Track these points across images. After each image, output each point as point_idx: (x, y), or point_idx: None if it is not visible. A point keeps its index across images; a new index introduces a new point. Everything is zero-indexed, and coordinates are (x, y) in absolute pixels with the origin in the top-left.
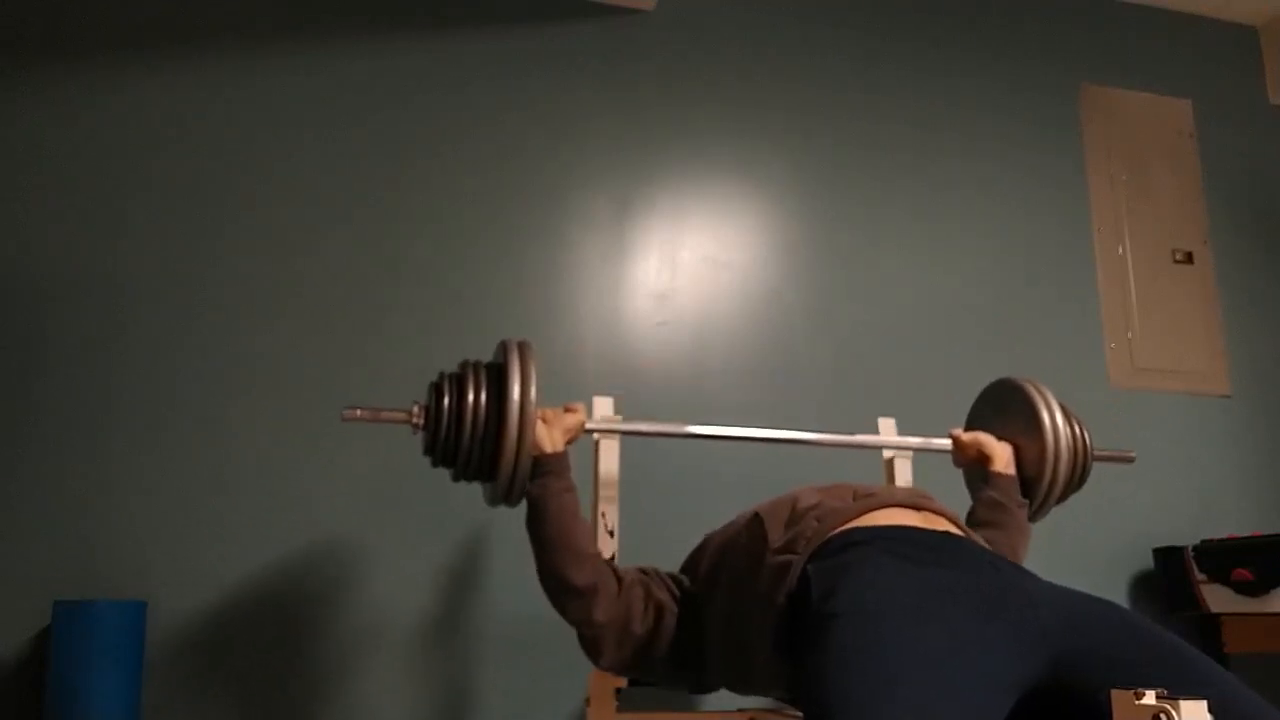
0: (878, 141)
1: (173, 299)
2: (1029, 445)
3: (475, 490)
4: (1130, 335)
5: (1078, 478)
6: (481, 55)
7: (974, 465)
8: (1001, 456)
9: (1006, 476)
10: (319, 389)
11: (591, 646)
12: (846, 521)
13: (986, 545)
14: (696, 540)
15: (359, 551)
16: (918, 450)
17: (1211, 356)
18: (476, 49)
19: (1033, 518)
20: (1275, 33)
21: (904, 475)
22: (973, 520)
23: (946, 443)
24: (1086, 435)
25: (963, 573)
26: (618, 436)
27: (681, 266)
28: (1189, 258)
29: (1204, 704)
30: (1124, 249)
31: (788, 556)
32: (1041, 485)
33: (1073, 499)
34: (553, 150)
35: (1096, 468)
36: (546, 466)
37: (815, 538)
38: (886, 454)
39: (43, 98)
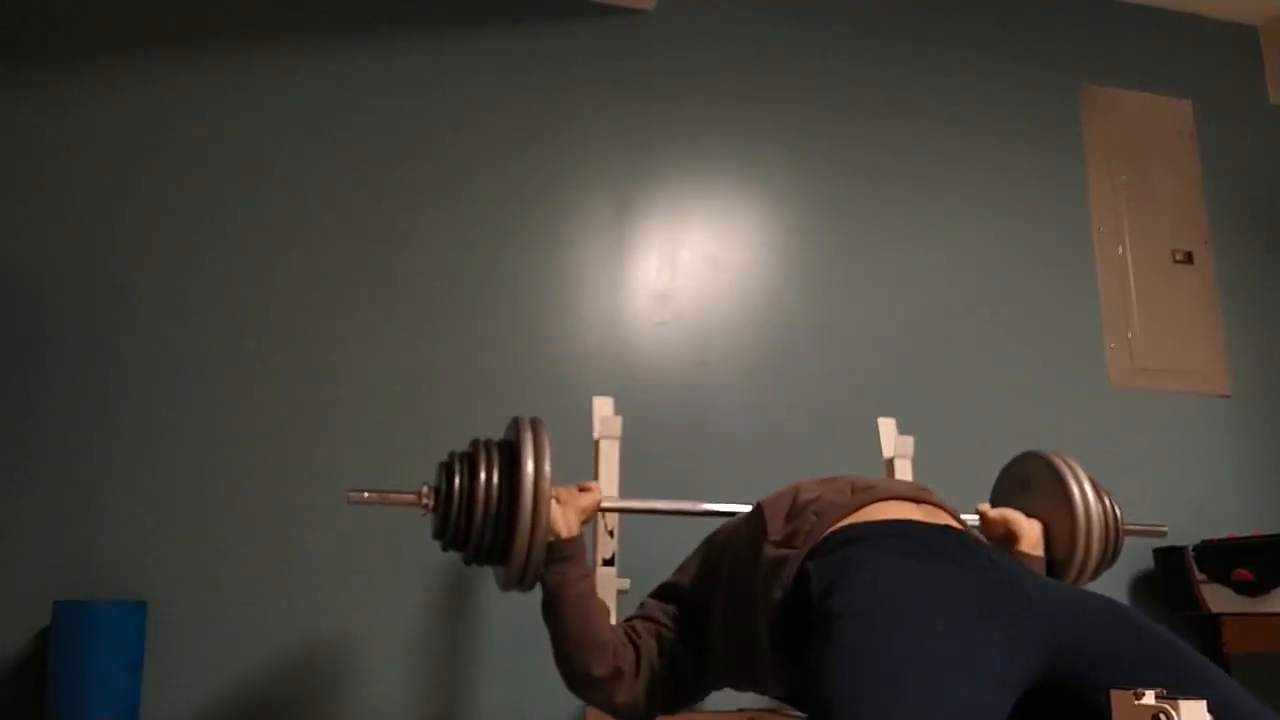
0: (878, 141)
1: (173, 299)
2: (1059, 523)
3: None
4: (1130, 335)
5: (1110, 555)
6: (481, 55)
7: (1001, 543)
8: (1030, 536)
9: (1034, 558)
10: (318, 388)
11: (625, 717)
12: (845, 516)
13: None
14: (695, 542)
15: (361, 549)
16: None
17: (1211, 356)
18: (476, 49)
19: None
20: (1275, 33)
21: (904, 476)
22: None
23: (973, 519)
24: (1117, 510)
25: (962, 569)
26: (617, 440)
27: (681, 266)
28: (1189, 258)
29: (1203, 704)
30: (1124, 249)
31: (785, 551)
32: (1074, 564)
33: None
34: (553, 150)
35: (1098, 470)
36: (563, 552)
37: (814, 533)
38: (886, 454)
39: (43, 98)
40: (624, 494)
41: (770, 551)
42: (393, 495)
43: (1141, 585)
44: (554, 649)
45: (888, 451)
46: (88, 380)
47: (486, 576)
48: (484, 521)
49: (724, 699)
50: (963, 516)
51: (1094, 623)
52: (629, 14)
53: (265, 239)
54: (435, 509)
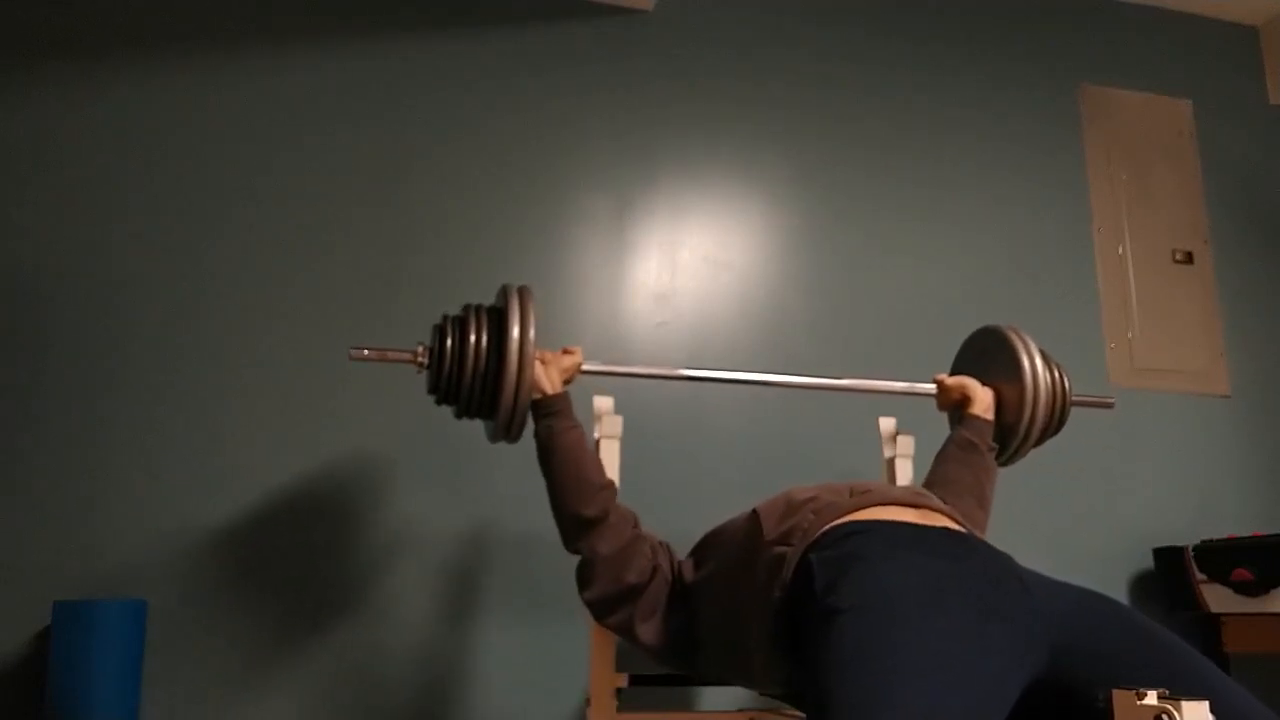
0: (878, 141)
1: (173, 299)
2: (1010, 391)
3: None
4: (1130, 335)
5: (1055, 423)
6: (481, 55)
7: (956, 408)
8: (983, 400)
9: (984, 420)
10: (318, 391)
11: (584, 574)
12: (843, 515)
13: (967, 519)
14: (695, 537)
15: (360, 555)
16: (903, 394)
17: (1211, 356)
18: (476, 49)
19: (1010, 460)
20: (1275, 33)
21: (904, 476)
22: (943, 457)
23: (931, 387)
24: (1066, 381)
25: (962, 567)
26: (617, 440)
27: (681, 266)
28: (1189, 258)
29: (1205, 704)
30: (1124, 249)
31: (783, 549)
32: (1019, 430)
33: (1073, 499)
34: (553, 150)
35: (1098, 470)
36: (549, 407)
37: (812, 529)
38: (886, 454)
39: (43, 97)
40: (624, 494)
41: (767, 551)
42: (391, 353)
43: (1141, 585)
44: (550, 501)
45: (888, 451)
46: (87, 380)
47: (490, 580)
48: (473, 377)
49: (724, 699)
50: (921, 386)
51: (1093, 619)
52: (628, 14)
53: (264, 241)
54: (429, 366)
